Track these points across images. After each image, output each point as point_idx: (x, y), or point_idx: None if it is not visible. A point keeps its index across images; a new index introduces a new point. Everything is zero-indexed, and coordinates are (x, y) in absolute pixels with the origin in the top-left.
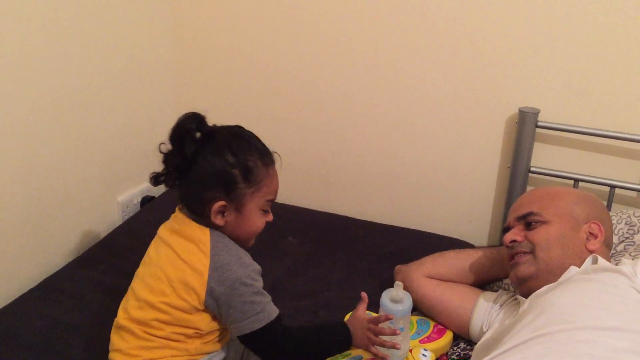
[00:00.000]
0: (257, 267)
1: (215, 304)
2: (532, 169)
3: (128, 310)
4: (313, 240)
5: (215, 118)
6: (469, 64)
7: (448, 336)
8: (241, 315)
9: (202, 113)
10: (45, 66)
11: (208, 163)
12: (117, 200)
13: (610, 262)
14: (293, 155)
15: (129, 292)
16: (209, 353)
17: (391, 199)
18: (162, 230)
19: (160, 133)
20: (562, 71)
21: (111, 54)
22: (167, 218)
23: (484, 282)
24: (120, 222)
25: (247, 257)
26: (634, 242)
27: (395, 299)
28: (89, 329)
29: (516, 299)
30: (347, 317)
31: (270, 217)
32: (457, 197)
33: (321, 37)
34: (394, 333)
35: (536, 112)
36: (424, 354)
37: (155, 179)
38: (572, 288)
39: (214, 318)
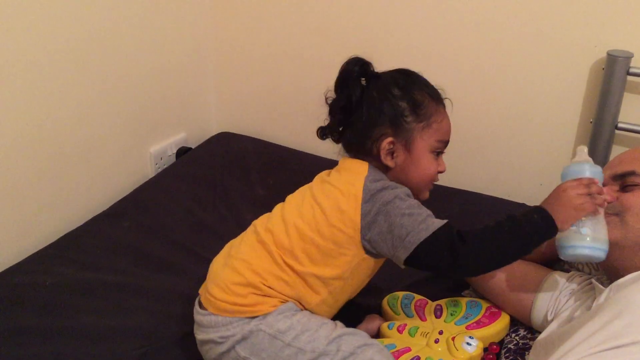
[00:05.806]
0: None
1: (370, 232)
2: (619, 124)
3: (272, 230)
4: None
5: (261, 62)
6: None
7: (502, 321)
8: (403, 230)
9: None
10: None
11: (373, 99)
12: (150, 151)
13: None
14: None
15: (274, 213)
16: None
17: (449, 156)
18: (317, 178)
19: (200, 76)
20: None
21: None
22: (204, 171)
23: (554, 258)
24: (153, 175)
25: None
26: None
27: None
28: (101, 292)
29: (591, 283)
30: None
31: (443, 167)
32: (527, 155)
33: None
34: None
35: (628, 57)
36: (468, 343)
37: (322, 131)
38: None
39: (362, 260)
